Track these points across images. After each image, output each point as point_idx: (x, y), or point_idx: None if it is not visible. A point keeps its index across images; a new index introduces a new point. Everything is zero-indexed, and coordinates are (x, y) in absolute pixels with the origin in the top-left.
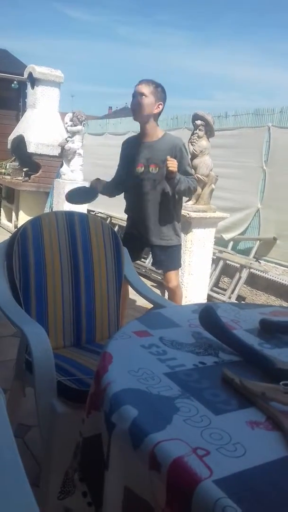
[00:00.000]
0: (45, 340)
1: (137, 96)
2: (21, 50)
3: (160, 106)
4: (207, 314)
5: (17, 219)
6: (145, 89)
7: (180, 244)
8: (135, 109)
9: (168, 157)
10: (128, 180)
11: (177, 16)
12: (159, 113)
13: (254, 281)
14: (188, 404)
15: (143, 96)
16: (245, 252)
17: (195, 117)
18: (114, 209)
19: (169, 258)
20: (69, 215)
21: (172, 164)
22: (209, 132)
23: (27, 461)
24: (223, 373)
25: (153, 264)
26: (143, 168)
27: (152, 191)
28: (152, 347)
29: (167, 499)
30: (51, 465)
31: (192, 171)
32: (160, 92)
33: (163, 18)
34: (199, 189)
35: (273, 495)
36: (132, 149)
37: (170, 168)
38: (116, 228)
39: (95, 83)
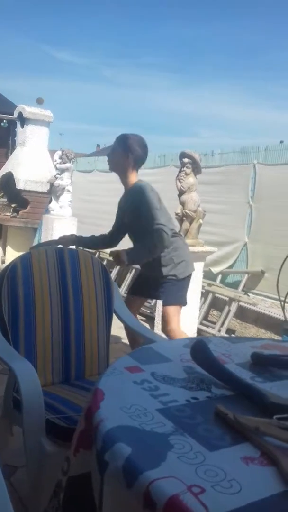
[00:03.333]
0: (34, 377)
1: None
2: (10, 90)
3: (131, 156)
4: (199, 348)
5: (5, 254)
6: (115, 144)
7: (176, 278)
8: (108, 165)
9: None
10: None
11: (161, 58)
12: (133, 163)
13: (243, 314)
14: (182, 440)
15: (113, 152)
16: (234, 285)
17: (183, 155)
18: None
19: (165, 292)
20: (59, 251)
21: (116, 260)
22: (196, 169)
23: (14, 505)
24: (216, 408)
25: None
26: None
27: (141, 235)
28: (144, 382)
29: None
30: (39, 507)
31: (157, 216)
32: (130, 144)
33: (147, 60)
34: (186, 224)
35: None
36: (121, 198)
37: (115, 262)
38: (104, 262)
39: (83, 122)
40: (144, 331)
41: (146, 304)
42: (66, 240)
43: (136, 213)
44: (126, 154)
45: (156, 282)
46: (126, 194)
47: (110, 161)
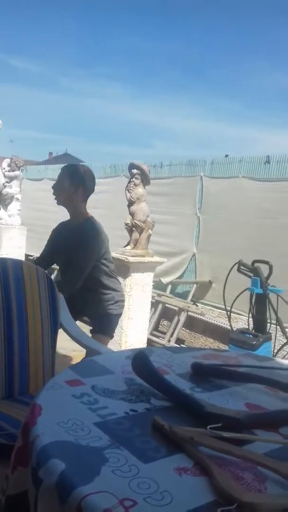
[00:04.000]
0: None
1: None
2: None
3: (81, 188)
4: (139, 360)
5: None
6: (61, 177)
7: (112, 314)
8: (56, 199)
9: None
10: None
11: (117, 69)
12: (83, 196)
13: (192, 323)
14: (117, 454)
15: (60, 185)
16: (183, 295)
17: (131, 166)
18: None
19: (99, 320)
20: (2, 262)
21: None
22: (145, 180)
23: None
24: (153, 419)
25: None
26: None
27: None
28: (83, 396)
29: None
30: None
31: (80, 258)
32: (81, 176)
33: (103, 70)
34: (136, 235)
35: None
36: (59, 229)
37: None
38: (55, 273)
39: (36, 129)
40: (89, 343)
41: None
42: None
43: (81, 252)
44: (76, 186)
45: (89, 310)
46: (73, 229)
47: (57, 195)
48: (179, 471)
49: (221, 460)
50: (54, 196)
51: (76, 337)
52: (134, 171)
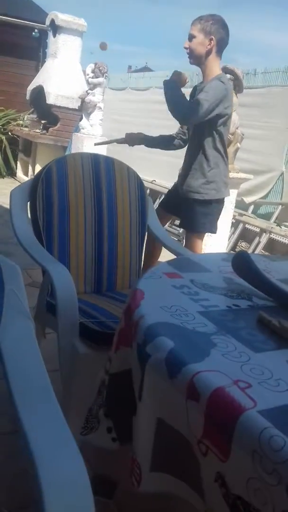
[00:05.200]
0: (69, 279)
1: (188, 39)
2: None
3: (212, 41)
4: (241, 259)
5: (33, 173)
6: (193, 30)
7: (206, 202)
8: (188, 54)
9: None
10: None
11: None
12: (216, 48)
13: (273, 247)
14: (225, 340)
15: (192, 38)
16: (266, 216)
17: (224, 70)
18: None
19: (189, 215)
20: (95, 157)
21: (178, 76)
22: (238, 87)
23: None
24: (259, 315)
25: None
26: None
27: (193, 136)
28: (183, 287)
29: (204, 430)
30: (70, 404)
31: (201, 98)
32: (211, 25)
33: None
34: None
35: None
36: (191, 97)
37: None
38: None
39: (115, 41)
40: (178, 248)
41: (174, 231)
42: (132, 138)
43: (202, 93)
44: (208, 38)
45: (185, 202)
46: (201, 89)
47: (190, 52)
48: None
49: None
50: (188, 56)
51: (163, 241)
52: (227, 76)
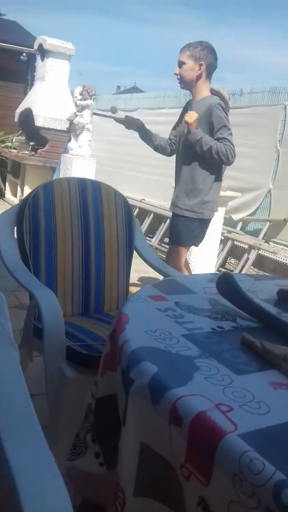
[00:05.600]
0: (56, 304)
1: (178, 65)
2: (28, 22)
3: (202, 66)
4: (225, 280)
5: (22, 193)
6: (183, 56)
7: (200, 220)
8: (178, 79)
9: (188, 112)
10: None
11: None
12: (206, 73)
13: (262, 263)
14: (208, 363)
15: (182, 65)
16: (254, 233)
17: (211, 92)
18: (120, 186)
19: (180, 230)
20: (82, 182)
21: (189, 117)
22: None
23: None
24: (243, 336)
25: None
26: (185, 130)
27: (186, 153)
28: (168, 310)
29: (187, 454)
30: (58, 430)
31: (227, 135)
32: (199, 52)
33: None
34: None
35: None
36: (184, 110)
37: (185, 119)
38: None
39: (103, 61)
40: (165, 268)
41: (163, 248)
42: (130, 122)
43: (206, 128)
44: (198, 64)
45: (178, 217)
46: (197, 104)
47: (180, 78)
48: (273, 385)
49: None
50: (179, 82)
51: (150, 262)
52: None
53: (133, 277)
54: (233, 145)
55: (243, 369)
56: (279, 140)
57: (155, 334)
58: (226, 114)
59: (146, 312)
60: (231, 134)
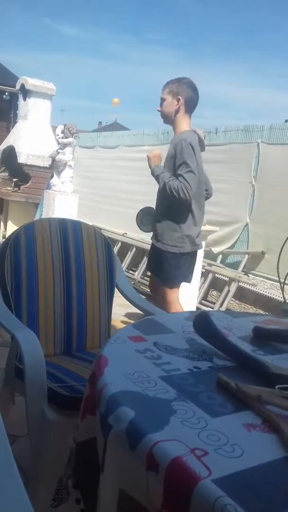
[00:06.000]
0: (37, 346)
1: (160, 102)
2: (11, 62)
3: (179, 101)
4: (202, 320)
5: (6, 229)
6: (163, 93)
7: (177, 255)
8: (160, 116)
9: (151, 148)
10: None
11: (164, 34)
12: (185, 107)
13: (242, 294)
14: (185, 406)
15: (163, 102)
16: (234, 265)
17: None
18: (102, 220)
19: (163, 267)
20: (63, 222)
21: (150, 153)
22: (201, 146)
23: None
24: (218, 377)
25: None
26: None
27: (163, 189)
28: (147, 351)
29: (163, 500)
30: (40, 473)
31: (184, 172)
32: (177, 87)
33: (151, 36)
34: None
35: (272, 494)
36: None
37: (146, 154)
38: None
39: (85, 98)
40: (145, 306)
41: (146, 282)
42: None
43: (171, 162)
44: (176, 99)
45: (160, 254)
46: (172, 141)
47: (161, 114)
48: (247, 427)
49: None
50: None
51: (131, 299)
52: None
53: (120, 311)
54: (188, 182)
55: (218, 411)
56: (253, 176)
57: (133, 377)
58: (193, 150)
59: (125, 354)
60: (190, 171)
